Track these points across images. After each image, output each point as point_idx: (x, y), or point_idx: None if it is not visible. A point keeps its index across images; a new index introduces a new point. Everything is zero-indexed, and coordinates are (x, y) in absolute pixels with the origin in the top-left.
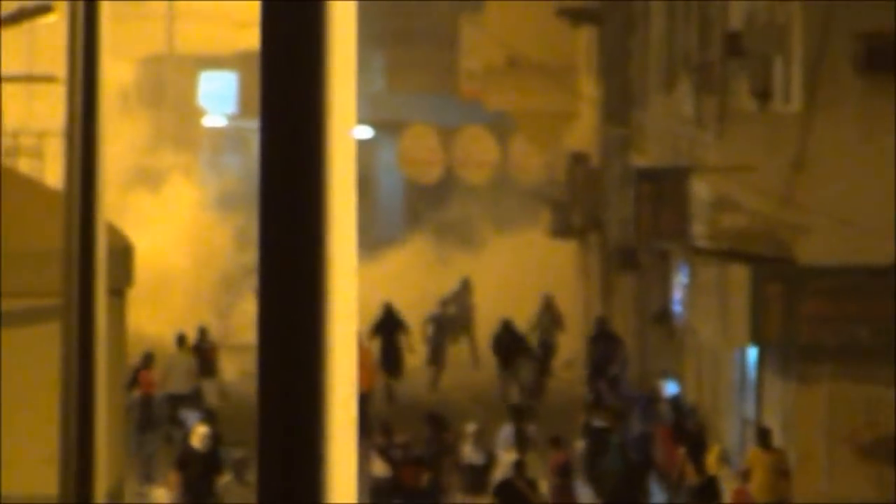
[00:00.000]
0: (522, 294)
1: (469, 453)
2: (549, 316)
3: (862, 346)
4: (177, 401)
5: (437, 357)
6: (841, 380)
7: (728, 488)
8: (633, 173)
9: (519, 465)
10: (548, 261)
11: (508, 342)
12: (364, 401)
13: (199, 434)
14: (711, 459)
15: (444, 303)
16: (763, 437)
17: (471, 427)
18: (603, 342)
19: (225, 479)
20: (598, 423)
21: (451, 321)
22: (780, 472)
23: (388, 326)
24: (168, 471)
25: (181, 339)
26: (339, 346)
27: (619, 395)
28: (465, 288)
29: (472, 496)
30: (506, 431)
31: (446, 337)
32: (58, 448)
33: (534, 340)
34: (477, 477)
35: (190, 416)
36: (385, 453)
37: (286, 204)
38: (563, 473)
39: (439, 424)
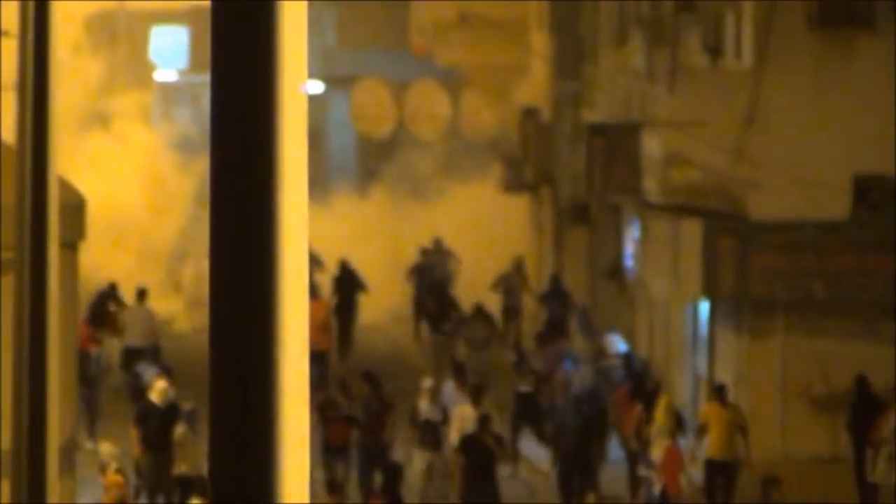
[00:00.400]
0: (477, 249)
1: (425, 409)
2: (518, 280)
3: (815, 300)
4: (134, 354)
5: (419, 310)
6: (794, 334)
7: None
8: (584, 128)
9: (483, 420)
10: (500, 215)
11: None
12: (322, 359)
13: (157, 389)
14: (660, 413)
15: (426, 254)
16: (718, 393)
17: (427, 382)
18: (557, 300)
19: (178, 430)
20: (524, 388)
21: (430, 274)
22: (737, 428)
23: (345, 284)
24: (118, 424)
25: (141, 293)
26: (290, 301)
27: (550, 357)
28: (441, 248)
29: (431, 452)
30: (448, 387)
31: (424, 290)
32: (10, 401)
33: (498, 301)
34: (433, 433)
35: (148, 370)
36: (320, 411)
37: (237, 159)
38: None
39: (375, 382)
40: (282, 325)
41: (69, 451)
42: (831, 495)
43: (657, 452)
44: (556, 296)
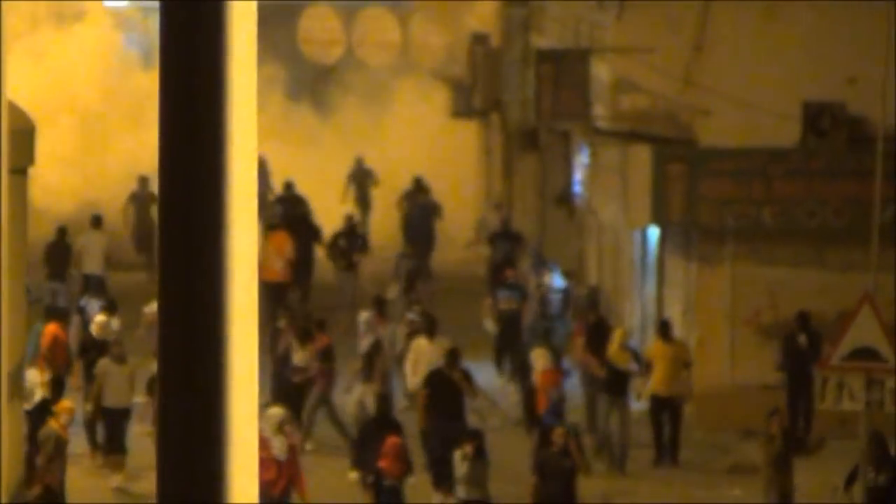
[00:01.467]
0: (426, 175)
1: (364, 344)
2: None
3: (764, 227)
4: (90, 282)
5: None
6: (743, 261)
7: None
8: (533, 54)
9: (452, 354)
10: (449, 142)
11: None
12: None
13: (98, 323)
14: (614, 348)
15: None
16: (663, 328)
17: (363, 315)
18: (505, 240)
19: (101, 362)
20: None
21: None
22: (681, 364)
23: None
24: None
25: (97, 220)
26: (238, 243)
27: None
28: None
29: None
30: (362, 317)
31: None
32: None
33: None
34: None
35: (91, 302)
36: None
37: (186, 94)
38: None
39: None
40: (231, 264)
41: (17, 378)
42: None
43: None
44: (506, 237)
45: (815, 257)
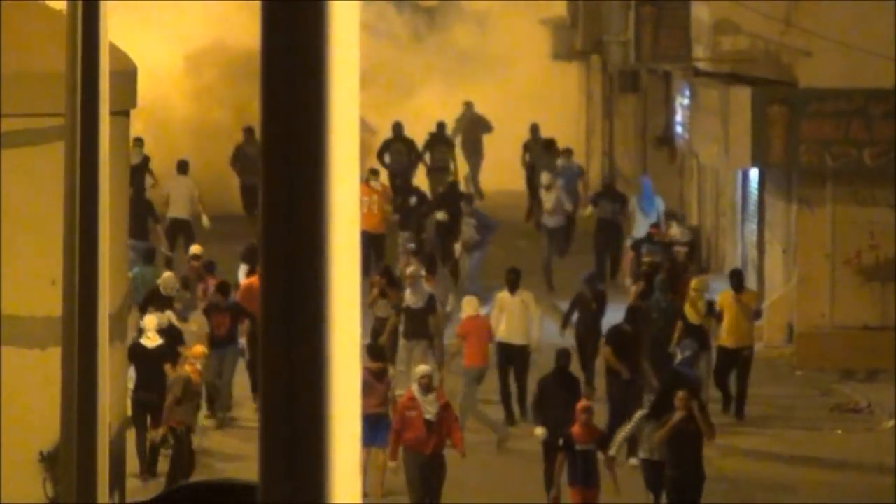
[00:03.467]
0: (527, 118)
1: (409, 297)
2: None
3: (864, 168)
4: (178, 225)
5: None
6: (843, 202)
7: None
8: None
9: (631, 311)
10: (550, 83)
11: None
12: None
13: (164, 280)
14: (689, 301)
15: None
16: (734, 278)
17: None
18: (609, 200)
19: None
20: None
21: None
22: (746, 315)
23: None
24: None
25: (182, 165)
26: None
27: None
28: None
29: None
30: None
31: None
32: (62, 268)
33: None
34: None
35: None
36: None
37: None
38: None
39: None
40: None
41: (120, 319)
42: (878, 363)
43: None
44: (611, 196)
45: None
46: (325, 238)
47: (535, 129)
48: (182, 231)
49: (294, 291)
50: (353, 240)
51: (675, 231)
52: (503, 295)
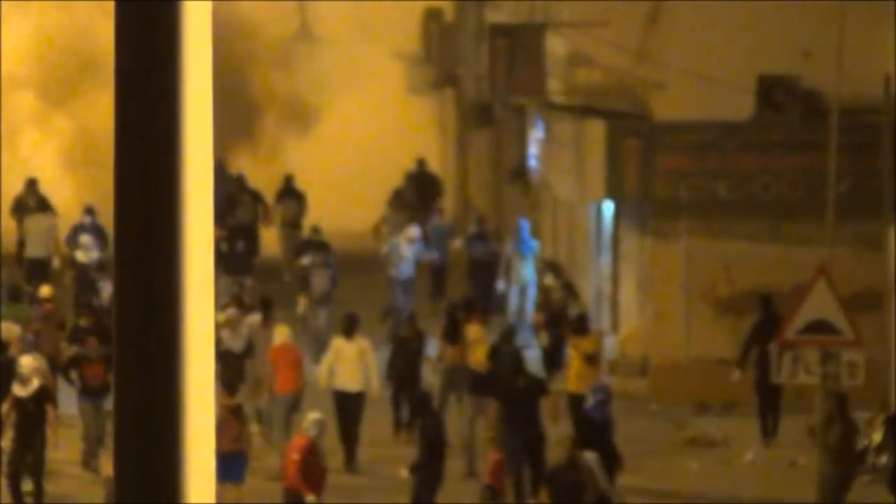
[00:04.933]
0: (380, 149)
1: (227, 339)
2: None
3: (719, 201)
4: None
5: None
6: (698, 235)
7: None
8: (487, 29)
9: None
10: (404, 116)
11: None
12: None
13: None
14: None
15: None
16: (576, 323)
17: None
18: (480, 243)
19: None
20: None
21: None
22: (588, 360)
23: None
24: None
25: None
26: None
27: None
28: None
29: None
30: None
31: None
32: None
33: None
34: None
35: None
36: None
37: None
38: None
39: None
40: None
41: None
42: (734, 396)
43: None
44: (481, 237)
45: (770, 231)
46: (180, 258)
47: (421, 163)
48: (40, 270)
49: (148, 315)
50: (208, 262)
51: (549, 281)
52: (338, 340)
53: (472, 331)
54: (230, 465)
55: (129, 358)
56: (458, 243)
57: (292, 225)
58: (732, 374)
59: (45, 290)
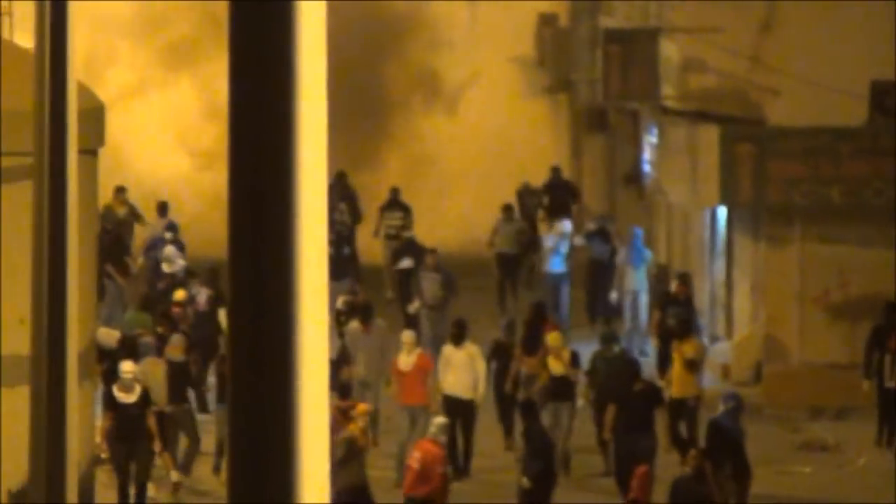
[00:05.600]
0: (495, 154)
1: None
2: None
3: (832, 206)
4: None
5: None
6: (811, 240)
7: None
8: (601, 34)
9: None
10: (518, 120)
11: None
12: None
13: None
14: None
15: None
16: (679, 327)
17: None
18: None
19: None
20: None
21: None
22: (688, 365)
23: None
24: None
25: (162, 206)
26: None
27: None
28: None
29: None
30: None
31: None
32: (30, 308)
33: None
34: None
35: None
36: None
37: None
38: None
39: None
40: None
41: (87, 358)
42: (847, 401)
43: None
44: (600, 236)
45: (883, 236)
46: (294, 263)
47: (556, 170)
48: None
49: (263, 320)
50: (322, 266)
51: (676, 287)
52: (447, 348)
53: (552, 338)
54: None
55: (242, 364)
56: (578, 240)
57: (397, 237)
58: (863, 384)
59: (179, 294)
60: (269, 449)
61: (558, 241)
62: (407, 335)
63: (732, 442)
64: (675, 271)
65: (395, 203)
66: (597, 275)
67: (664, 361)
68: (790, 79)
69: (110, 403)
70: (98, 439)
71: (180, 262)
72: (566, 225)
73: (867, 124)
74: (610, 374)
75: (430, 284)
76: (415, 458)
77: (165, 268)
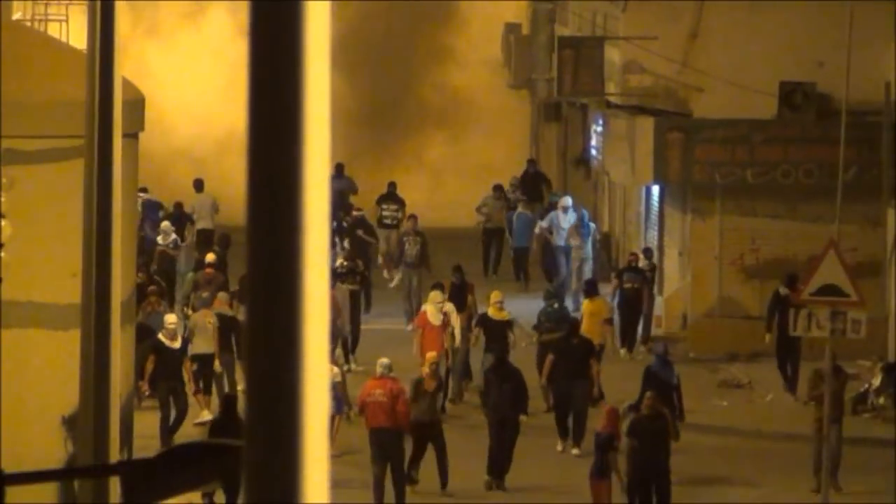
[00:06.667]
0: (475, 142)
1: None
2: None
3: (747, 185)
4: (205, 236)
5: None
6: (729, 213)
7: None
8: (557, 40)
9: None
10: (489, 112)
11: None
12: None
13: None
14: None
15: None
16: (588, 287)
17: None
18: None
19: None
20: None
21: None
22: (602, 319)
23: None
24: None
25: (199, 183)
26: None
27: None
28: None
29: None
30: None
31: None
32: (81, 264)
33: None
34: None
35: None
36: None
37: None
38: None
39: None
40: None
41: (129, 306)
42: (758, 347)
43: None
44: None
45: (789, 210)
46: (301, 241)
47: (532, 162)
48: (208, 240)
49: (275, 271)
50: (324, 241)
51: (643, 262)
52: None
53: (494, 294)
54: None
55: (258, 329)
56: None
57: (392, 227)
58: (765, 337)
59: (209, 256)
60: (280, 390)
61: (566, 217)
62: (436, 294)
63: (664, 385)
64: (640, 246)
65: (390, 196)
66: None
67: (622, 321)
68: (713, 79)
69: (157, 348)
70: (143, 379)
71: (173, 237)
72: (567, 200)
73: (776, 117)
74: (550, 328)
75: (410, 246)
76: (381, 394)
77: (160, 240)
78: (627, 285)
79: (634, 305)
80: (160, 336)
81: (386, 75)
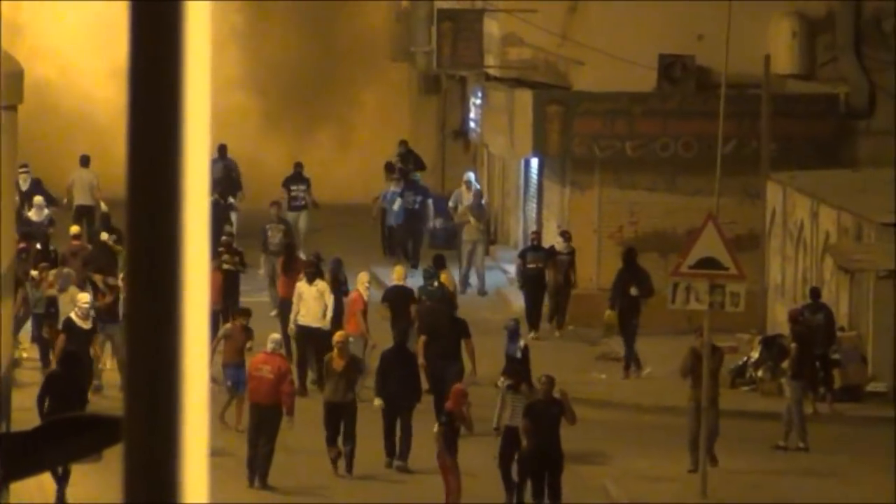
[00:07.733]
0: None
1: None
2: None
3: (626, 158)
4: (84, 211)
5: None
6: (608, 186)
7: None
8: (436, 13)
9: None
10: (373, 84)
11: None
12: None
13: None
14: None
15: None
16: (436, 262)
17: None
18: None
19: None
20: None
21: None
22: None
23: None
24: None
25: (84, 159)
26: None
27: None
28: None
29: None
30: None
31: None
32: None
33: None
34: None
35: None
36: None
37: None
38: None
39: None
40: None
41: (7, 280)
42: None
43: None
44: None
45: (668, 183)
46: (180, 222)
47: (405, 143)
48: (85, 215)
49: (155, 255)
50: (203, 226)
51: (559, 246)
52: (301, 285)
53: (397, 271)
54: (235, 376)
55: (138, 300)
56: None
57: (301, 208)
58: (606, 313)
59: (74, 229)
60: (159, 367)
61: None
62: (363, 276)
63: (511, 359)
64: (558, 229)
65: (297, 177)
66: (411, 220)
67: (528, 302)
68: (592, 52)
69: (68, 327)
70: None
71: (45, 212)
72: (471, 174)
73: (656, 90)
74: (429, 309)
75: (273, 233)
76: (268, 370)
77: (32, 215)
78: (531, 265)
79: (540, 284)
80: (72, 315)
81: (281, 46)
